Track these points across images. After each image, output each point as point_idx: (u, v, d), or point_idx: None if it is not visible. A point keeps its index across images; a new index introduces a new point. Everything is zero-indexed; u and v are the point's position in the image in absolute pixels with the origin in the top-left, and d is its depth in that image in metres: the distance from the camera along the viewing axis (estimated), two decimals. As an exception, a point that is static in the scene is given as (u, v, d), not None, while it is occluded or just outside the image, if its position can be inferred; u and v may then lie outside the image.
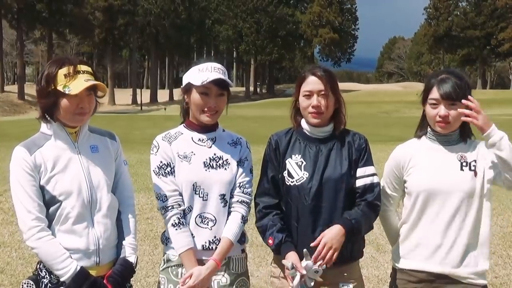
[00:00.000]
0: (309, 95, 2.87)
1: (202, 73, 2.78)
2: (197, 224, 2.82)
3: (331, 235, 2.73)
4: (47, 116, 2.60)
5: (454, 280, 2.84)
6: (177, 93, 3.06)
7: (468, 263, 2.83)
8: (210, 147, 2.90)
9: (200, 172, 2.83)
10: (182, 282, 2.75)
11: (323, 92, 2.85)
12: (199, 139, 2.90)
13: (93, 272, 2.62)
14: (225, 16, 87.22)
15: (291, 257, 2.78)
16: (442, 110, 2.77)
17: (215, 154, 2.89)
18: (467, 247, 2.82)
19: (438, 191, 2.82)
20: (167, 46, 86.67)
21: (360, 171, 2.90)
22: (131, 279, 2.78)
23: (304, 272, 2.72)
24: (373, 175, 2.91)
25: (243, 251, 3.02)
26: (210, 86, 2.77)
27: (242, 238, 2.96)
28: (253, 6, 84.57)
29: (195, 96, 2.81)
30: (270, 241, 2.87)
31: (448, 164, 2.84)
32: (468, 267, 2.83)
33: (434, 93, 2.80)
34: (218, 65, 2.85)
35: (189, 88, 2.83)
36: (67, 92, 2.49)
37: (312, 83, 2.87)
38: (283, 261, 2.80)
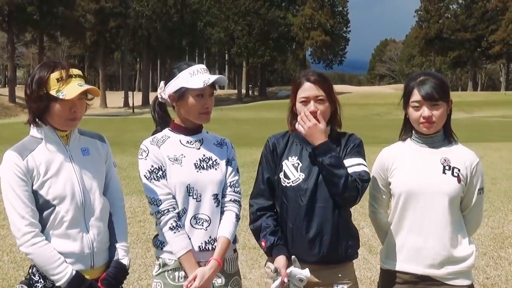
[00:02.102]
0: (305, 101, 2.89)
1: (196, 76, 2.79)
2: (192, 226, 2.82)
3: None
4: (37, 120, 2.58)
5: (438, 282, 2.85)
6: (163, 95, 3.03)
7: (450, 265, 2.84)
8: (199, 148, 2.91)
9: (192, 173, 2.83)
10: (187, 285, 2.73)
11: (320, 98, 2.87)
12: (187, 141, 2.91)
13: (87, 275, 2.61)
14: (217, 19, 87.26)
15: (279, 261, 2.80)
16: (425, 111, 2.80)
17: (204, 155, 2.90)
18: (450, 248, 2.83)
19: (419, 192, 2.83)
20: (159, 48, 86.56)
21: (346, 162, 2.85)
22: (124, 281, 2.77)
23: (285, 279, 2.73)
24: (359, 164, 2.85)
25: (235, 251, 3.04)
26: (206, 87, 2.78)
27: (234, 238, 2.97)
28: (245, 8, 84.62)
29: (191, 100, 2.81)
30: (263, 243, 2.90)
31: (430, 166, 2.86)
32: (451, 269, 2.84)
33: (416, 96, 2.83)
34: (204, 66, 2.89)
35: (183, 93, 2.81)
36: (60, 97, 2.46)
37: (308, 89, 2.89)
38: (268, 264, 2.83)
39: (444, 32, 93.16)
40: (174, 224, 2.77)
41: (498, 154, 16.70)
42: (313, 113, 2.86)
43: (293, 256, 2.80)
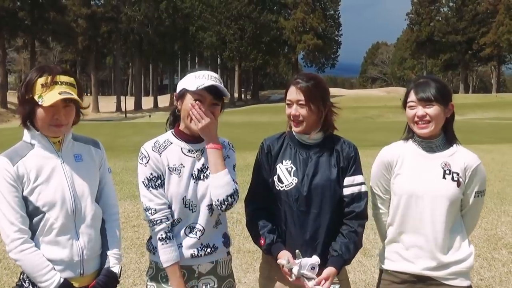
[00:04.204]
0: (289, 104, 2.94)
1: (198, 79, 2.75)
2: (186, 234, 2.82)
3: (328, 285, 2.80)
4: (28, 123, 2.57)
5: (437, 282, 2.88)
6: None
7: (450, 265, 2.86)
8: (200, 159, 2.86)
9: (190, 185, 2.80)
10: None
11: (300, 102, 2.89)
12: (189, 150, 2.86)
13: (76, 283, 2.60)
14: (209, 23, 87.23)
15: (284, 255, 2.81)
16: (419, 110, 2.84)
17: (203, 165, 2.86)
18: (449, 249, 2.87)
19: (419, 195, 2.86)
20: (151, 53, 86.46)
21: (348, 180, 2.93)
22: (116, 288, 2.76)
23: (297, 267, 2.74)
24: (361, 184, 2.94)
25: (228, 253, 3.03)
26: (205, 94, 2.73)
27: (227, 241, 2.97)
28: (237, 12, 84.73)
29: (188, 101, 2.76)
30: (262, 241, 2.90)
31: (431, 170, 2.88)
32: (451, 269, 2.86)
33: (411, 96, 2.88)
34: (215, 74, 2.82)
35: (183, 94, 2.78)
36: (40, 103, 2.46)
37: (292, 93, 2.93)
38: (279, 261, 2.81)
39: (435, 34, 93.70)
40: (164, 236, 2.75)
41: (490, 156, 16.77)
42: (295, 117, 2.90)
43: (296, 251, 2.80)
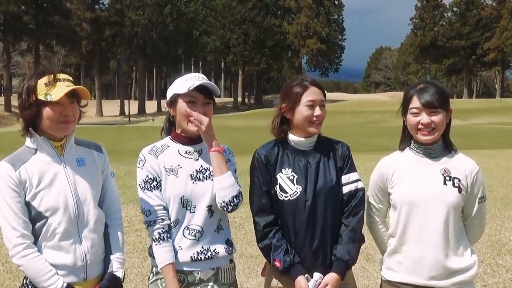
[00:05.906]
0: (312, 105, 2.88)
1: (187, 82, 2.80)
2: (184, 236, 2.81)
3: None
4: (30, 129, 2.57)
5: None
6: (165, 104, 3.04)
7: (453, 275, 2.82)
8: (197, 159, 2.89)
9: (188, 185, 2.82)
10: None
11: (322, 102, 2.91)
12: (186, 152, 2.89)
13: (80, 288, 2.59)
14: (212, 27, 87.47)
15: (301, 283, 2.80)
16: (424, 117, 2.79)
17: (201, 166, 2.88)
18: (452, 258, 2.82)
19: (421, 203, 2.82)
20: (154, 57, 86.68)
21: (344, 178, 2.94)
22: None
23: None
24: (356, 181, 2.96)
25: (231, 261, 3.00)
26: (196, 94, 2.78)
27: (230, 248, 2.94)
28: (240, 17, 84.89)
29: (181, 105, 2.80)
30: (277, 264, 2.84)
31: (431, 177, 2.85)
32: (455, 279, 2.83)
33: (415, 103, 2.82)
34: (202, 75, 2.87)
35: (174, 99, 2.83)
36: (48, 99, 2.47)
37: (314, 93, 2.89)
38: None
39: (439, 39, 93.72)
40: (157, 236, 2.76)
41: (494, 161, 16.72)
42: (320, 118, 2.88)
43: (306, 275, 2.83)
